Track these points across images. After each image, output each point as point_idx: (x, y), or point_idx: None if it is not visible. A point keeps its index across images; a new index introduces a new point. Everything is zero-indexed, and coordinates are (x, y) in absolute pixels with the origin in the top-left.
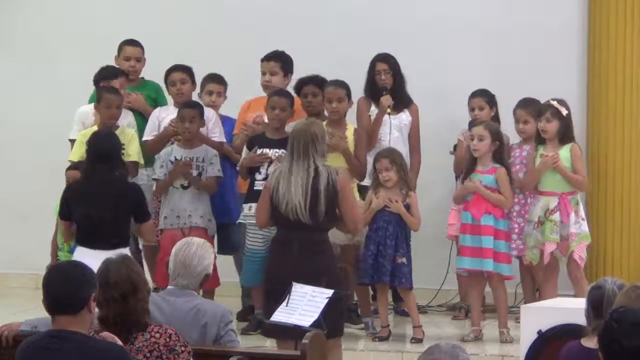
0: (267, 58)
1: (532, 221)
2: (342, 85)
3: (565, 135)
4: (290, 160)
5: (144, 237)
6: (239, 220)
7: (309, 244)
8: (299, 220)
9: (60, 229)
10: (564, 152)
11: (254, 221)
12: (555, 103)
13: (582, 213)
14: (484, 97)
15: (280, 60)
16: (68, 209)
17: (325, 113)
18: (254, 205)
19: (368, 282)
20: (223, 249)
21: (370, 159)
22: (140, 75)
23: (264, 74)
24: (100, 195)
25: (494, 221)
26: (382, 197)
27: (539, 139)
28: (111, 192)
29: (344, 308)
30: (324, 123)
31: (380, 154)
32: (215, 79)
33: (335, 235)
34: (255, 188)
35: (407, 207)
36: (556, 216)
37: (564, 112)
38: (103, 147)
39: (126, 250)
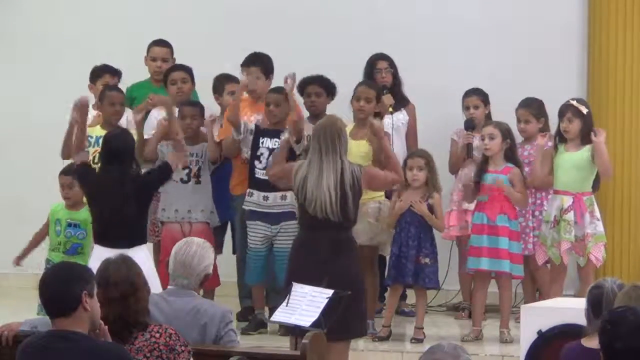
0: (247, 64)
1: (548, 221)
2: (373, 86)
3: (587, 134)
4: (319, 157)
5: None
6: (245, 207)
7: (336, 244)
8: (328, 218)
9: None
10: (585, 153)
11: (257, 209)
12: (575, 103)
13: (597, 213)
14: (479, 96)
15: (260, 64)
16: (80, 178)
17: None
18: (255, 192)
19: (391, 283)
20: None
21: None
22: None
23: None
24: (117, 195)
25: (508, 222)
26: (405, 199)
27: (560, 139)
28: (127, 190)
29: (364, 309)
30: (351, 124)
31: (416, 153)
32: (235, 79)
33: (356, 237)
34: (256, 176)
35: (430, 208)
36: (570, 215)
37: (584, 110)
38: (115, 148)
39: (143, 248)
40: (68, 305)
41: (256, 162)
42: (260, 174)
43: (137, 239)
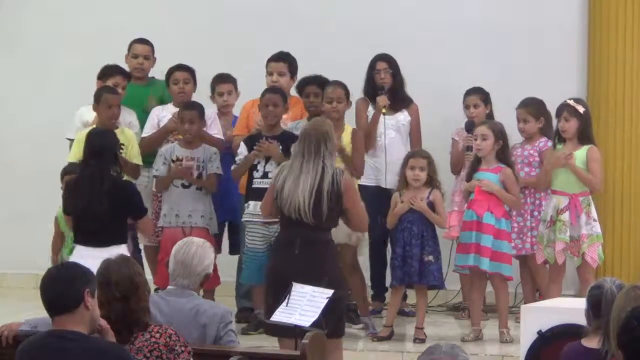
0: (276, 59)
1: (545, 220)
2: (341, 85)
3: (584, 134)
4: (300, 160)
5: (143, 233)
6: (243, 219)
7: (311, 243)
8: (302, 219)
9: (61, 228)
10: (581, 153)
11: (254, 219)
12: (572, 102)
13: (593, 214)
14: (479, 95)
15: (287, 62)
16: (66, 202)
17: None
18: (252, 202)
19: (398, 284)
20: (233, 249)
21: (368, 159)
22: (150, 75)
23: (270, 74)
24: (93, 192)
25: (495, 220)
26: (407, 200)
27: (559, 138)
28: (104, 188)
29: (344, 309)
30: None
31: (418, 153)
32: (223, 79)
33: (334, 235)
34: (253, 186)
35: (432, 206)
36: (565, 216)
37: (581, 109)
38: (96, 144)
39: (123, 248)
40: (70, 302)
41: (254, 172)
42: (257, 183)
43: (114, 239)
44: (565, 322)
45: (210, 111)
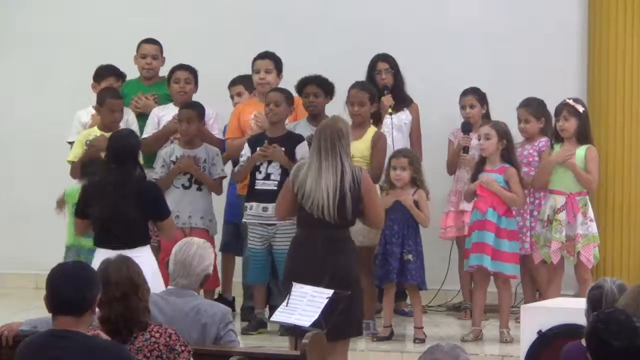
0: (262, 56)
1: (542, 220)
2: (366, 88)
3: (583, 134)
4: (318, 158)
5: (165, 233)
6: (244, 220)
7: (333, 242)
8: (323, 218)
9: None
10: (580, 152)
11: (255, 220)
12: (571, 101)
13: (590, 214)
14: (475, 95)
15: (273, 59)
16: (84, 206)
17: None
18: (255, 204)
19: (379, 283)
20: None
21: None
22: (161, 74)
23: (257, 72)
24: (117, 195)
25: (497, 218)
26: (390, 197)
27: (557, 138)
28: (128, 191)
29: (360, 309)
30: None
31: (400, 152)
32: (231, 83)
33: (353, 236)
34: (256, 187)
35: (415, 204)
36: (562, 215)
37: (581, 109)
38: (118, 148)
39: (146, 249)
40: (83, 306)
41: (256, 174)
42: (260, 184)
43: (139, 240)
44: (565, 322)
45: (212, 111)
